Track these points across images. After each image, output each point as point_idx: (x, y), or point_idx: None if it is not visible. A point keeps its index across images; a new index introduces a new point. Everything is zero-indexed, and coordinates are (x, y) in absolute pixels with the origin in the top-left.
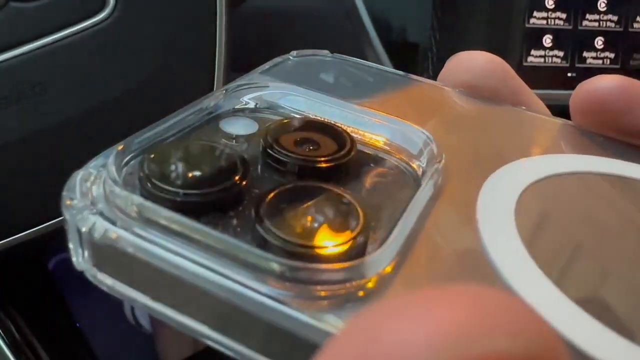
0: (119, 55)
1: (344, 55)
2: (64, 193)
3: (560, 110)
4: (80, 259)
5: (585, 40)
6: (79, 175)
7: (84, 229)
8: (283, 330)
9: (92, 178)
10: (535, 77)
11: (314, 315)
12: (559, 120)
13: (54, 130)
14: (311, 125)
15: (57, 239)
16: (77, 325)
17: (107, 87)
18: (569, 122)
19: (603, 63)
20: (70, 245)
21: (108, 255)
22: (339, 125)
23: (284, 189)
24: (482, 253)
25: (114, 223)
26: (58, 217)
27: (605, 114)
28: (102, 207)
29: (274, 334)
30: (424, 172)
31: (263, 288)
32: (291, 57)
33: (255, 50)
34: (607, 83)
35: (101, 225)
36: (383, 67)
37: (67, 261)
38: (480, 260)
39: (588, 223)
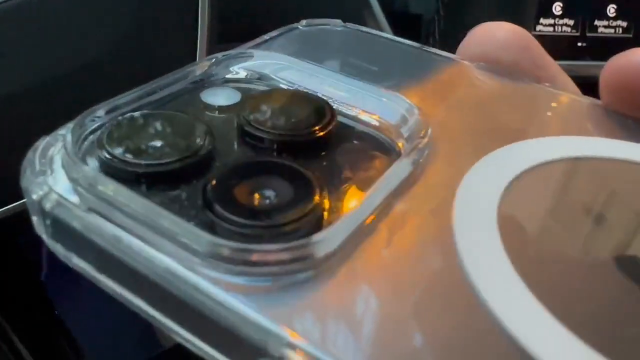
0: (86, 20)
1: (357, 25)
2: (26, 158)
3: None
4: (36, 224)
5: (596, 7)
6: (44, 140)
7: (34, 197)
8: (209, 314)
9: (58, 145)
10: (544, 47)
11: (238, 297)
12: (585, 100)
13: (18, 98)
14: (292, 97)
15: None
16: (56, 312)
17: (75, 54)
18: (598, 102)
19: (615, 32)
20: (30, 212)
21: (59, 225)
22: (322, 97)
23: (238, 165)
24: (452, 253)
25: (64, 194)
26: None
27: (638, 94)
28: (56, 177)
29: (201, 316)
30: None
31: (196, 268)
32: (300, 27)
33: (252, 19)
34: None
35: (52, 195)
36: (397, 38)
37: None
38: (449, 261)
39: (585, 220)
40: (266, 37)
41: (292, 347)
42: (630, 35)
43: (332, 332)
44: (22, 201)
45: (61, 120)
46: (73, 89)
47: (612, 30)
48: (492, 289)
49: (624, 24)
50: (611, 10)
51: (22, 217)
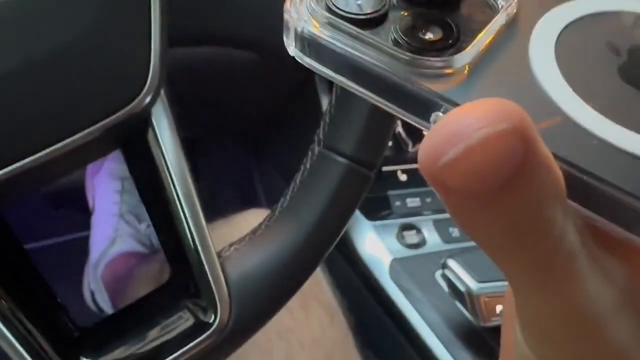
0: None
1: None
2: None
3: None
4: (292, 48)
5: None
6: None
7: (298, 29)
8: (398, 85)
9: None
10: None
11: (422, 81)
12: None
13: None
14: None
15: None
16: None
17: (23, 52)
18: None
19: None
20: (286, 40)
21: (309, 45)
22: None
23: (410, 14)
24: (527, 68)
25: (310, 27)
26: None
27: None
28: (307, 16)
29: (391, 87)
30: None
31: (392, 66)
32: None
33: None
34: None
35: (305, 27)
36: None
37: None
38: (525, 73)
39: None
40: None
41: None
42: None
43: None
44: None
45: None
46: (17, 91)
47: None
48: (540, 67)
49: None
50: None
51: None
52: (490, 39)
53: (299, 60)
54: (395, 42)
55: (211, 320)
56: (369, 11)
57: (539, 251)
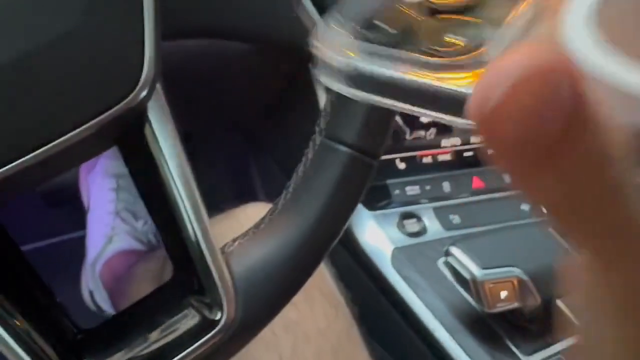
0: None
1: None
2: (315, 38)
3: None
4: (332, 83)
5: None
6: (327, 23)
7: (335, 64)
8: (437, 92)
9: (334, 26)
10: None
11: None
12: None
13: None
14: None
15: None
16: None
17: (12, 48)
18: None
19: None
20: (322, 76)
21: (350, 77)
22: None
23: (435, 21)
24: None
25: (347, 59)
26: None
27: None
28: (339, 50)
29: (431, 95)
30: None
31: (427, 75)
32: None
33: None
34: None
35: (342, 60)
36: None
37: None
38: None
39: None
40: None
41: None
42: None
43: None
44: None
45: None
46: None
47: None
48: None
49: None
50: None
51: None
52: (517, 30)
53: (344, 94)
54: (426, 52)
55: (217, 318)
56: (395, 30)
57: (608, 220)
